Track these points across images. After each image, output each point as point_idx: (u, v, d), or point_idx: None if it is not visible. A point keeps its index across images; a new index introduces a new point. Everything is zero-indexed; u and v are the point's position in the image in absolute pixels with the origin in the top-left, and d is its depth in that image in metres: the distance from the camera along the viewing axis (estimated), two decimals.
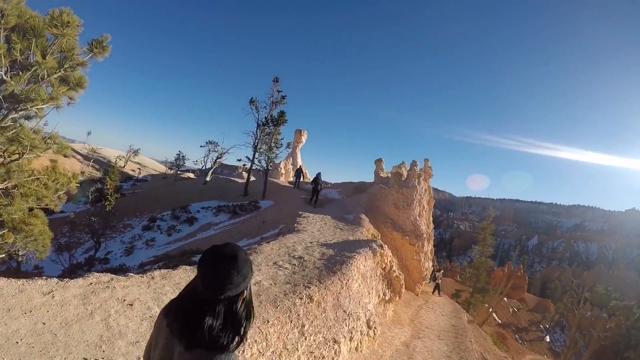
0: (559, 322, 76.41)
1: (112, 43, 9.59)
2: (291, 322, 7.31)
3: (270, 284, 8.49)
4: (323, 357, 7.39)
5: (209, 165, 65.17)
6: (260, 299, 7.60)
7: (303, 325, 7.47)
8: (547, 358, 53.26)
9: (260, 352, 6.18)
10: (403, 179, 25.28)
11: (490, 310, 49.02)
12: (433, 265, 28.09)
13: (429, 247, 25.26)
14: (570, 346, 37.62)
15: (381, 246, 13.64)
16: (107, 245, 33.35)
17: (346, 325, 8.73)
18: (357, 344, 9.16)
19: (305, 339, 7.30)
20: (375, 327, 10.22)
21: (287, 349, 6.74)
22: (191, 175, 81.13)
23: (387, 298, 14.01)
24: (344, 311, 9.00)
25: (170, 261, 21.30)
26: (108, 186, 33.10)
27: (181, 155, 76.01)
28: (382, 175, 30.80)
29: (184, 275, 7.97)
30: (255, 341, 6.24)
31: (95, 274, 6.52)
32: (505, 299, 64.46)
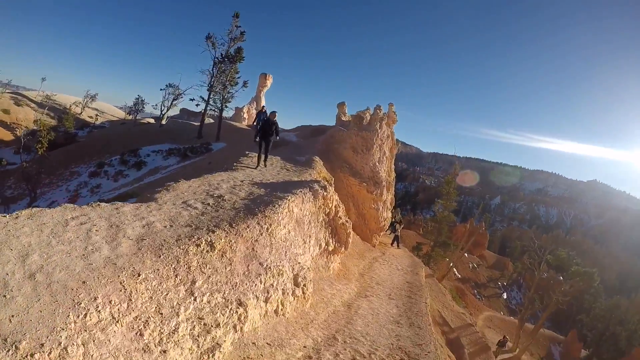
0: (516, 281, 78.18)
1: None
2: (177, 276, 5.33)
3: (165, 227, 6.44)
4: (217, 325, 5.37)
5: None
6: (140, 244, 5.58)
7: (193, 282, 5.47)
8: (503, 315, 53.95)
9: (113, 317, 4.25)
10: (365, 123, 23.31)
11: (451, 264, 48.70)
12: (393, 216, 26.66)
13: (388, 196, 23.54)
14: (527, 306, 37.44)
15: (324, 187, 11.41)
16: (51, 194, 31.37)
17: (260, 282, 6.70)
18: (277, 306, 7.14)
19: (195, 299, 5.31)
20: (305, 285, 8.17)
21: (161, 314, 4.76)
22: (152, 120, 77.34)
23: (330, 249, 12.00)
24: (260, 264, 6.96)
25: None
26: (41, 128, 30.39)
27: (140, 99, 71.95)
28: (343, 119, 28.77)
29: (59, 214, 5.99)
30: (110, 302, 4.31)
31: None
32: (465, 254, 64.57)
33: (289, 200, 9.20)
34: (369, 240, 21.99)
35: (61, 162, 37.86)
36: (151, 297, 4.83)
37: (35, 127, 52.64)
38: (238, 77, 37.84)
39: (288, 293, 7.59)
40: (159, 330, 4.64)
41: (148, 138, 42.79)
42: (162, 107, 60.05)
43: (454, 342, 19.26)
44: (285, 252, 8.06)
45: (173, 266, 5.40)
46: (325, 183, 12.26)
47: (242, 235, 6.92)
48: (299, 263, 8.41)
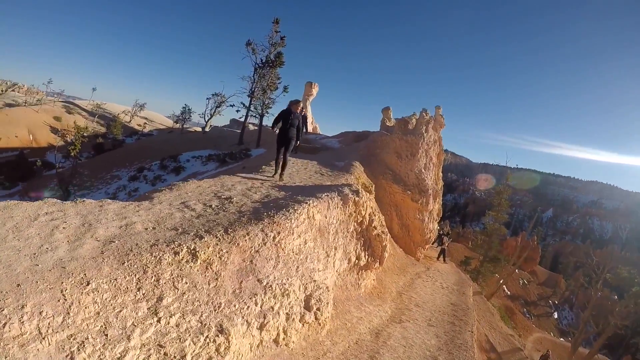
0: (569, 299, 73.77)
1: None
2: (139, 289, 4.14)
3: (146, 229, 5.29)
4: (183, 357, 3.99)
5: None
6: (105, 247, 4.46)
7: (160, 298, 4.21)
8: (554, 337, 50.48)
9: (40, 332, 3.29)
10: (410, 127, 21.76)
11: (501, 281, 45.84)
12: (440, 228, 24.91)
13: (435, 205, 21.81)
14: (582, 330, 34.13)
15: (356, 192, 9.86)
16: (90, 196, 31.51)
17: (255, 303, 5.31)
18: (278, 334, 5.71)
19: (158, 321, 4.03)
20: (319, 308, 6.70)
21: (106, 335, 3.55)
22: (199, 129, 78.74)
23: (362, 264, 10.41)
24: (259, 281, 5.59)
25: None
26: (75, 131, 31.03)
27: (187, 108, 73.07)
28: (388, 124, 27.26)
29: (33, 208, 5.27)
30: (41, 313, 3.38)
31: None
32: (516, 270, 61.21)
33: (309, 205, 7.82)
34: (413, 253, 20.37)
35: (105, 166, 38.91)
36: (98, 313, 3.69)
37: (85, 134, 54.71)
38: (279, 83, 37.20)
39: (294, 318, 6.09)
40: (98, 356, 3.41)
41: (190, 145, 43.22)
42: (206, 115, 60.82)
43: None
44: (298, 266, 6.65)
45: (137, 277, 4.22)
46: (358, 187, 10.80)
47: (239, 244, 5.61)
48: (315, 281, 6.94)
